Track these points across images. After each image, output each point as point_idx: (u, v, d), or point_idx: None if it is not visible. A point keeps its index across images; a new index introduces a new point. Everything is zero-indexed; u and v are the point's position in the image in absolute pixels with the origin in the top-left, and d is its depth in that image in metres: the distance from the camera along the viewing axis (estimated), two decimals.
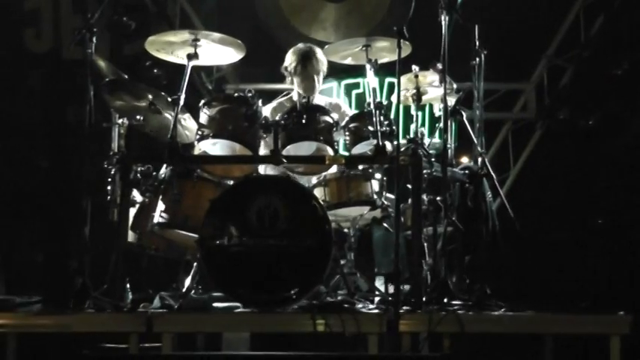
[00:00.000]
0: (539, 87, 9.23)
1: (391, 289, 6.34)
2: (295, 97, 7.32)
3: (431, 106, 8.15)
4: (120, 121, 6.42)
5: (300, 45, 7.39)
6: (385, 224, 6.58)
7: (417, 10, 8.70)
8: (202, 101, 6.44)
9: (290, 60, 7.30)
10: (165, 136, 6.23)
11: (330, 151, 6.37)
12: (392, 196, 6.50)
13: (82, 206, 6.07)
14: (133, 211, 6.44)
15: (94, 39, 6.25)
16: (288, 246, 5.93)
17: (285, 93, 7.47)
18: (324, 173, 6.56)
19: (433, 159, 6.53)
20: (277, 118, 6.40)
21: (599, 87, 9.01)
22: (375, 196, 6.49)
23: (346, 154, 6.53)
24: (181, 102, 6.27)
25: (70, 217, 6.76)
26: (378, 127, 6.26)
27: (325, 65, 7.25)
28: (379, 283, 6.59)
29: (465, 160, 7.37)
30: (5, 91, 9.07)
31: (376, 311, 5.96)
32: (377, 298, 6.29)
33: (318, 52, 7.26)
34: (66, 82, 8.92)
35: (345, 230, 6.66)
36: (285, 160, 6.30)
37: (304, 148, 6.39)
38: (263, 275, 5.93)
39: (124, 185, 6.25)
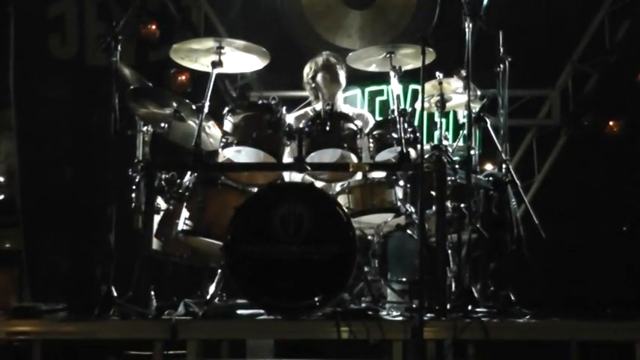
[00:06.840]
0: (564, 93, 9.19)
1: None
2: (319, 107, 7.31)
3: (455, 112, 8.14)
4: (144, 128, 6.43)
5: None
6: (408, 231, 6.55)
7: (441, 16, 8.68)
8: (226, 109, 6.45)
9: (307, 70, 7.39)
10: (190, 143, 6.25)
11: (354, 159, 6.36)
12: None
13: (107, 214, 6.09)
14: (157, 219, 6.46)
15: (119, 46, 6.28)
16: (312, 253, 5.91)
17: (308, 101, 7.47)
18: (348, 180, 6.55)
19: (457, 166, 6.52)
20: (301, 125, 6.40)
21: (625, 93, 8.97)
22: (399, 203, 6.48)
23: (370, 161, 6.52)
24: (206, 109, 6.29)
25: (95, 225, 6.76)
26: (402, 134, 6.26)
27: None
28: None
29: (489, 167, 7.36)
30: (29, 98, 9.11)
31: (400, 318, 5.94)
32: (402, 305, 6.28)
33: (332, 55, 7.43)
34: (90, 89, 8.95)
35: (369, 237, 6.65)
36: (309, 168, 6.31)
37: (328, 155, 6.39)
38: (287, 282, 5.90)
39: (149, 193, 6.26)
